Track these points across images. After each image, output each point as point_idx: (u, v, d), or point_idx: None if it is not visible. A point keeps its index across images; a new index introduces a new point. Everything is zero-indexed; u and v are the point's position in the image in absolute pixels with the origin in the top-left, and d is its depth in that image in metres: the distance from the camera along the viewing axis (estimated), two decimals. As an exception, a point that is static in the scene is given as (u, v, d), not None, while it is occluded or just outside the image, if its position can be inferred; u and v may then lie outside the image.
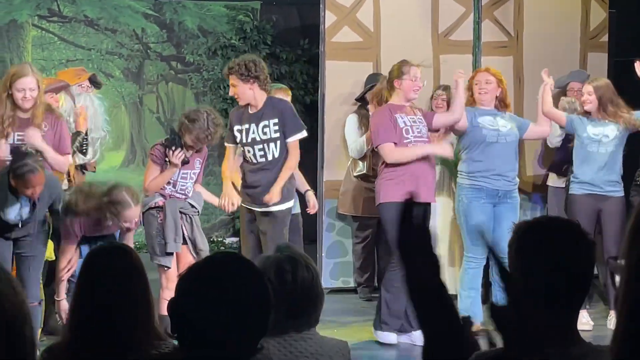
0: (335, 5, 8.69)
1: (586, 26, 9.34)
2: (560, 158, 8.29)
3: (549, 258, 2.34)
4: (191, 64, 11.27)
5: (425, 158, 6.92)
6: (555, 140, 8.41)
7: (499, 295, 6.52)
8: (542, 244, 2.36)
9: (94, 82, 7.67)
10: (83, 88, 7.45)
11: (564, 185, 8.18)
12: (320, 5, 8.69)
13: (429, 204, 6.70)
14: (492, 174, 7.13)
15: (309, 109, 10.63)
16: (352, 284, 8.77)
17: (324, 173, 8.65)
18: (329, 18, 8.68)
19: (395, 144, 6.84)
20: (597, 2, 9.38)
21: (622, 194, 7.46)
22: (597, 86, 7.57)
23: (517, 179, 7.35)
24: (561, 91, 8.57)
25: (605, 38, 9.43)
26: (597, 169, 7.39)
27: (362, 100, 8.42)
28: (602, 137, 7.41)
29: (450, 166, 8.04)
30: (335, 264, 8.66)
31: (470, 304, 7.00)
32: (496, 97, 7.33)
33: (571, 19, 9.29)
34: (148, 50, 11.19)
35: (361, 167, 8.27)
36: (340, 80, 8.49)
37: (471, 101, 7.37)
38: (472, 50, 8.90)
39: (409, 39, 8.66)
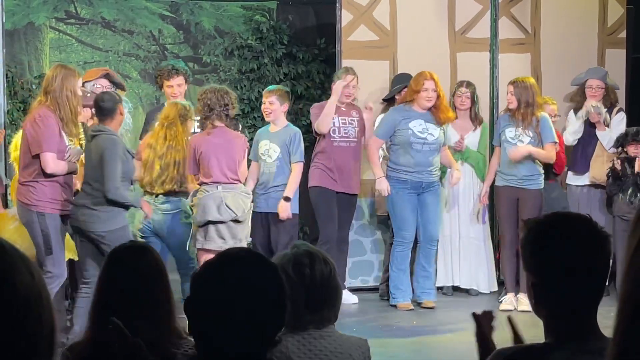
0: (351, 4, 8.68)
1: (604, 23, 9.30)
2: (579, 156, 8.29)
3: (567, 255, 2.32)
4: (208, 65, 11.28)
5: (349, 153, 8.06)
6: (571, 138, 8.40)
7: (419, 274, 7.99)
8: (558, 242, 2.34)
9: (114, 83, 7.63)
10: (100, 88, 7.39)
11: (583, 184, 8.18)
12: (337, 4, 8.69)
13: (352, 195, 8.14)
14: (416, 170, 7.94)
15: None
16: (371, 283, 8.76)
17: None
18: (345, 17, 8.68)
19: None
20: (615, -3, 9.34)
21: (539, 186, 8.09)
22: (517, 89, 8.01)
23: (439, 172, 8.08)
24: (580, 88, 8.55)
25: (623, 34, 9.38)
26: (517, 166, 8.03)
27: (390, 100, 8.45)
28: (518, 141, 8.04)
29: (478, 166, 8.56)
30: (354, 263, 8.65)
31: (399, 282, 8.00)
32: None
33: (588, 16, 9.25)
34: (165, 52, 11.21)
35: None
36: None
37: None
38: (489, 48, 8.89)
39: (425, 37, 8.65)
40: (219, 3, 11.23)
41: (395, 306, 8.00)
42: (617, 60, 9.07)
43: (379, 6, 8.75)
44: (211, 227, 6.87)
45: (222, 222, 6.87)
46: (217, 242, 6.83)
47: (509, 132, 8.11)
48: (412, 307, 7.96)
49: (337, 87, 8.06)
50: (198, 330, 2.11)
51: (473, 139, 8.57)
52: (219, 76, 11.24)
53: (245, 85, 11.08)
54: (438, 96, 7.90)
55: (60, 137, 6.32)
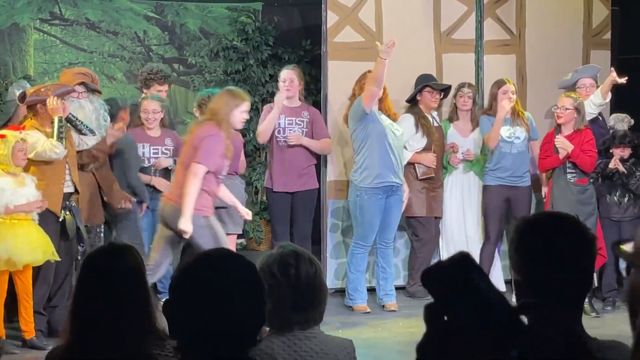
0: (336, 5, 8.67)
1: (589, 24, 9.33)
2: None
3: (551, 255, 2.32)
4: (193, 66, 11.25)
5: (295, 153, 8.08)
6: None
7: (380, 277, 8.06)
8: (541, 241, 2.34)
9: (90, 89, 7.61)
10: (75, 93, 7.37)
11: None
12: (322, 6, 8.67)
13: (307, 192, 8.24)
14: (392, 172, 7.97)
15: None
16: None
17: (327, 173, 8.63)
18: (330, 18, 8.66)
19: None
20: (600, -1, 9.36)
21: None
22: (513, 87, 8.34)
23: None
24: (571, 88, 8.52)
25: (608, 35, 9.41)
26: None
27: (412, 101, 8.46)
28: (514, 138, 8.29)
29: (478, 169, 8.63)
30: (340, 264, 8.64)
31: (357, 284, 8.04)
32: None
33: (573, 17, 9.27)
34: (150, 53, 11.18)
35: (426, 170, 8.43)
36: (342, 80, 8.46)
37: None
38: (474, 49, 8.91)
39: (411, 38, 8.65)
40: (204, 4, 11.21)
41: (351, 308, 8.00)
42: (602, 62, 9.09)
43: (365, 7, 8.74)
44: (218, 213, 7.21)
45: (223, 207, 7.33)
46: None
47: (505, 131, 8.26)
48: (368, 309, 7.98)
49: (278, 100, 8.11)
50: (178, 332, 2.10)
51: (473, 140, 8.60)
52: (204, 77, 11.22)
53: (230, 86, 11.05)
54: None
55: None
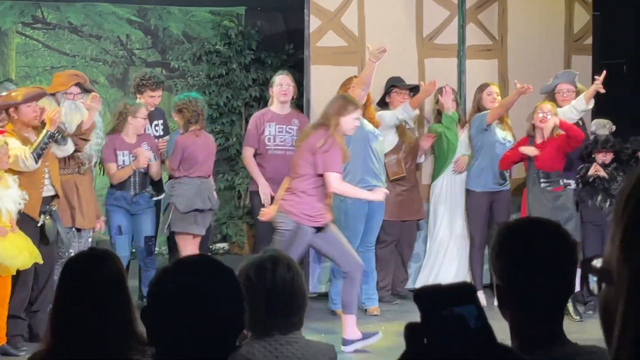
0: (319, 10, 8.68)
1: (570, 29, 9.37)
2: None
3: (532, 260, 2.32)
4: (176, 70, 11.24)
5: (284, 161, 7.82)
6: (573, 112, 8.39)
7: (362, 281, 7.72)
8: (524, 246, 2.35)
9: (85, 90, 7.64)
10: (70, 95, 7.40)
11: (574, 187, 8.23)
12: (305, 10, 8.68)
13: None
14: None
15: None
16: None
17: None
18: (313, 23, 8.67)
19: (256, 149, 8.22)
20: (581, 4, 9.40)
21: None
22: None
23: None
24: (550, 94, 8.57)
25: (589, 41, 9.45)
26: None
27: (383, 104, 8.47)
28: (506, 142, 8.44)
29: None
30: (323, 268, 8.64)
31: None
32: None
33: (555, 22, 9.31)
34: (133, 57, 11.17)
35: (396, 170, 8.40)
36: (325, 85, 8.47)
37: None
38: (456, 54, 8.93)
39: (393, 43, 8.64)
40: (187, 8, 11.20)
41: (334, 312, 8.00)
42: (583, 67, 9.13)
43: (347, 12, 8.75)
44: (194, 215, 7.76)
45: (201, 211, 7.81)
46: (194, 227, 7.80)
47: (500, 133, 8.44)
48: None
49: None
50: (156, 339, 2.10)
51: (461, 141, 8.63)
52: (187, 81, 11.22)
53: (213, 91, 11.05)
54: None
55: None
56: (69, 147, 7.07)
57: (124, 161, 7.85)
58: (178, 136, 8.00)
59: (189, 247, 7.79)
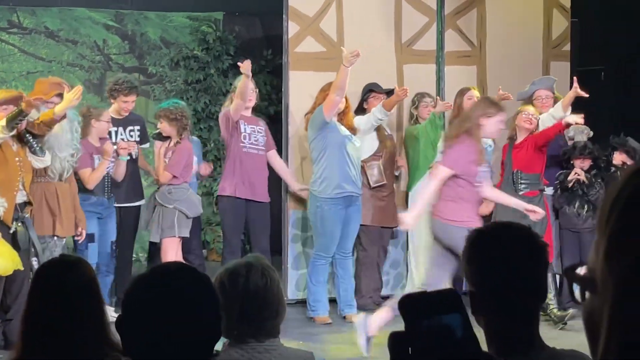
0: (298, 15, 8.65)
1: (548, 35, 9.39)
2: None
3: (503, 264, 2.32)
4: (153, 75, 11.19)
5: (258, 160, 8.04)
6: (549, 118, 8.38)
7: (340, 287, 8.10)
8: (494, 251, 2.34)
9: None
10: (51, 104, 7.32)
11: (551, 193, 8.24)
12: (283, 16, 8.65)
13: (263, 203, 8.12)
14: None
15: (273, 120, 10.59)
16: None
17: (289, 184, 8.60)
18: (292, 28, 8.64)
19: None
20: (559, 11, 9.43)
21: None
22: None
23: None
24: (527, 100, 8.58)
25: (568, 47, 9.48)
26: None
27: (361, 110, 8.44)
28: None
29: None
30: (302, 275, 8.61)
31: (319, 295, 8.02)
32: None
33: (533, 29, 9.34)
34: (109, 62, 11.10)
35: (378, 178, 8.36)
36: (304, 90, 8.44)
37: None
38: (435, 60, 8.93)
39: (372, 48, 8.65)
40: (164, 13, 11.15)
41: (313, 319, 7.97)
42: (561, 73, 9.15)
43: (326, 18, 8.73)
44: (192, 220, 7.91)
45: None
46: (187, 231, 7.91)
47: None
48: (330, 320, 7.95)
49: (246, 66, 7.77)
50: (132, 348, 2.06)
51: (439, 148, 8.63)
52: (164, 87, 11.16)
53: (191, 96, 11.01)
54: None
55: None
56: (46, 159, 7.02)
57: (97, 165, 7.83)
58: (183, 145, 7.93)
59: (174, 251, 7.81)
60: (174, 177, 7.82)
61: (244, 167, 8.05)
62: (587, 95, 8.04)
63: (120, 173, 7.95)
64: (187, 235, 7.89)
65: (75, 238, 7.46)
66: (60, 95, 7.28)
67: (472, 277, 2.36)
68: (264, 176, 8.22)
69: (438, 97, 8.54)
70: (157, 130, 8.03)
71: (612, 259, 1.17)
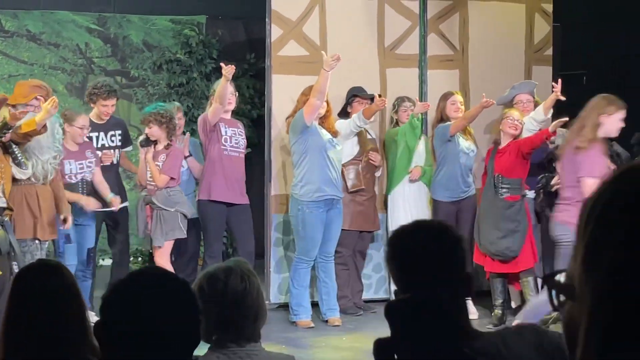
0: (281, 19, 8.65)
1: (530, 40, 9.42)
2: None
3: (422, 261, 2.37)
4: (136, 79, 11.15)
5: (240, 163, 8.06)
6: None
7: (322, 291, 8.07)
8: (413, 249, 2.41)
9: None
10: (31, 107, 7.27)
11: (533, 196, 8.24)
12: (266, 19, 8.64)
13: (245, 206, 8.13)
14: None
15: (256, 124, 10.59)
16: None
17: (271, 187, 8.59)
18: (275, 32, 8.64)
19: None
20: (541, 15, 9.46)
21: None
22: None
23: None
24: (508, 104, 8.60)
25: (550, 51, 9.51)
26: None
27: (345, 114, 8.42)
28: (470, 151, 8.51)
29: (428, 183, 8.63)
30: (284, 279, 8.59)
31: (301, 299, 8.02)
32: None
33: (516, 33, 9.36)
34: (92, 65, 11.06)
35: (355, 182, 8.35)
36: (287, 94, 8.44)
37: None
38: (418, 64, 8.94)
39: (355, 52, 8.66)
40: (147, 17, 11.12)
41: (295, 323, 7.96)
42: (543, 77, 9.17)
43: (309, 21, 8.73)
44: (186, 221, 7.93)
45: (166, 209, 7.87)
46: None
47: (464, 143, 8.46)
48: (312, 324, 7.94)
49: (229, 70, 7.72)
50: (111, 353, 2.05)
51: (418, 153, 8.61)
52: (147, 90, 11.13)
53: (173, 100, 10.96)
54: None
55: None
56: (28, 171, 7.00)
57: (70, 170, 7.75)
58: (177, 147, 7.99)
59: (168, 252, 7.87)
60: (172, 179, 7.82)
61: (226, 171, 8.02)
62: (564, 99, 8.08)
63: (98, 180, 7.91)
64: (183, 235, 7.94)
65: (61, 227, 7.40)
66: (40, 98, 7.24)
67: (395, 276, 2.42)
68: (244, 178, 8.22)
69: (417, 99, 8.56)
70: (144, 136, 7.94)
71: (589, 265, 1.17)
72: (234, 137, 8.11)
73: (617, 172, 1.20)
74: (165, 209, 7.76)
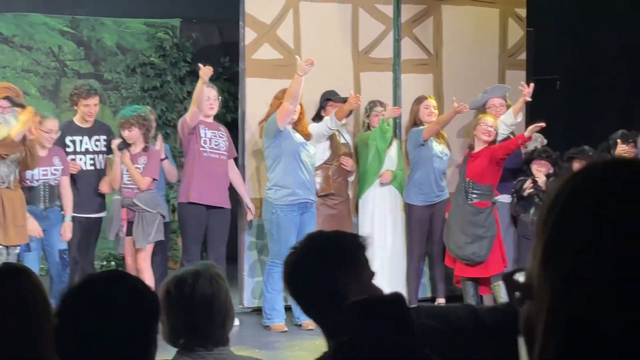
0: (255, 22, 8.63)
1: (504, 44, 9.45)
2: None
3: (315, 280, 2.44)
4: (109, 82, 11.09)
5: (219, 165, 8.00)
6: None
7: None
8: (302, 263, 2.47)
9: (15, 104, 7.45)
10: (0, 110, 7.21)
11: (509, 201, 8.26)
12: (240, 23, 8.62)
13: (224, 209, 8.07)
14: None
15: (230, 127, 10.51)
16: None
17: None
18: (249, 35, 8.61)
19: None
20: (515, 20, 9.49)
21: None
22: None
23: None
24: (481, 109, 8.63)
25: (524, 56, 9.54)
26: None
27: (318, 118, 8.40)
28: (443, 155, 8.54)
29: (399, 187, 8.60)
30: (258, 282, 8.57)
31: (275, 303, 7.99)
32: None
33: (489, 37, 9.39)
34: (65, 68, 10.99)
35: (324, 186, 8.34)
36: (261, 97, 8.41)
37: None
38: (392, 68, 8.95)
39: (329, 56, 8.65)
40: (120, 19, 11.06)
41: (269, 327, 7.93)
42: (517, 82, 9.18)
43: (283, 25, 8.72)
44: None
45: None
46: None
47: (437, 147, 8.47)
48: (285, 328, 7.92)
49: (206, 71, 7.79)
50: (66, 357, 2.02)
51: (389, 157, 8.60)
52: (120, 94, 11.07)
53: (147, 103, 10.90)
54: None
55: None
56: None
57: (32, 174, 7.56)
58: (155, 149, 7.96)
59: (150, 255, 7.87)
60: (153, 180, 7.81)
61: (205, 173, 7.98)
62: (530, 99, 8.11)
63: (65, 186, 7.80)
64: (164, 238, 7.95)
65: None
66: (9, 99, 7.18)
67: (289, 289, 2.51)
68: (225, 181, 8.17)
69: (388, 104, 8.56)
70: (120, 139, 7.86)
71: (547, 264, 1.16)
72: (214, 139, 8.07)
73: (575, 171, 1.19)
74: (149, 211, 7.74)
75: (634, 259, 1.10)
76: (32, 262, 7.45)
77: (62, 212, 7.80)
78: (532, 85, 8.19)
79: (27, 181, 7.56)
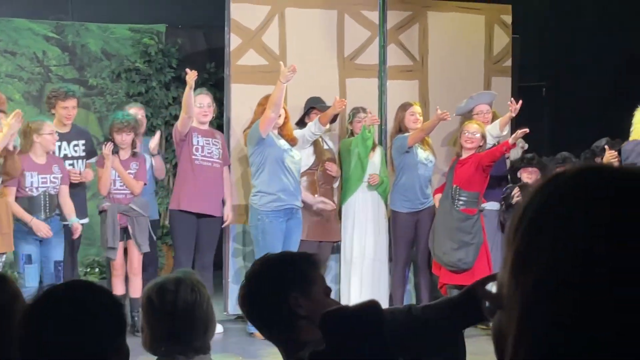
0: (240, 28, 8.60)
1: (490, 51, 9.45)
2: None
3: (273, 299, 2.58)
4: (94, 88, 11.04)
5: (212, 173, 7.97)
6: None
7: None
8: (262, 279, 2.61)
9: None
10: None
11: (497, 208, 8.25)
12: (226, 29, 8.60)
13: (214, 218, 8.07)
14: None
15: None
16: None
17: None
18: (234, 41, 8.59)
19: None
20: (501, 27, 9.50)
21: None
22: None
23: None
24: (467, 115, 8.63)
25: (509, 63, 9.55)
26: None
27: (302, 124, 8.38)
28: (428, 162, 8.50)
29: (383, 194, 8.57)
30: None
31: None
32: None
33: (475, 44, 9.39)
34: (49, 74, 10.93)
35: (311, 192, 8.36)
36: (246, 103, 8.40)
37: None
38: (377, 74, 8.94)
39: (314, 62, 8.64)
40: (105, 25, 11.02)
41: (253, 334, 7.90)
42: (502, 88, 9.21)
43: (268, 31, 8.70)
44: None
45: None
46: None
47: (422, 154, 8.44)
48: None
49: (192, 75, 7.76)
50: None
51: (372, 163, 8.57)
52: (105, 99, 11.03)
53: (133, 109, 10.88)
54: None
55: None
56: None
57: (32, 182, 7.48)
58: (142, 154, 8.03)
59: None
60: (144, 185, 7.90)
61: (196, 180, 7.97)
62: (514, 115, 8.13)
63: (64, 195, 7.73)
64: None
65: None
66: None
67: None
68: (218, 190, 8.13)
69: (369, 111, 8.54)
70: (111, 144, 7.81)
71: (518, 274, 1.14)
72: (207, 147, 8.05)
73: (547, 178, 1.18)
74: (143, 215, 7.77)
75: (627, 262, 1.09)
76: (32, 276, 7.35)
77: (62, 222, 7.66)
78: (520, 102, 8.18)
79: (27, 190, 7.46)
